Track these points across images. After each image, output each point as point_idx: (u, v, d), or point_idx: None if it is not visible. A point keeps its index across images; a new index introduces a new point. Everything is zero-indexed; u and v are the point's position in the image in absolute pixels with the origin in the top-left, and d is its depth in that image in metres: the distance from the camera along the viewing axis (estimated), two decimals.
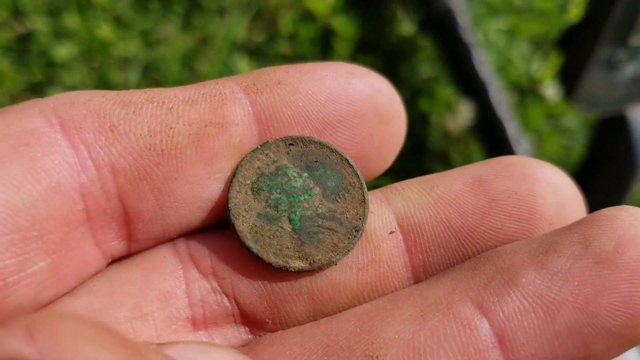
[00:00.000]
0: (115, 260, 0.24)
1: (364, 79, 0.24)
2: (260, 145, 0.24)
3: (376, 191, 0.26)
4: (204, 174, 0.23)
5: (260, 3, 1.05)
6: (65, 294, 0.23)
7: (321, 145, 0.24)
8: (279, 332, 0.24)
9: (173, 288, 0.24)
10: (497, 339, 0.22)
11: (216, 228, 0.25)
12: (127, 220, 0.23)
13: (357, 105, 0.24)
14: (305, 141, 0.24)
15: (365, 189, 0.25)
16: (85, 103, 0.23)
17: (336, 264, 0.24)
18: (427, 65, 1.15)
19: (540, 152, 1.13)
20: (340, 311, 0.24)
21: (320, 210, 0.24)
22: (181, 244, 0.25)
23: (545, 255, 0.22)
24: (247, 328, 0.25)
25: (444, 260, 0.25)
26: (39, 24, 0.97)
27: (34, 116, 0.22)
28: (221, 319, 0.24)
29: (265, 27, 1.05)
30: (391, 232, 0.25)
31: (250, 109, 0.24)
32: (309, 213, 0.24)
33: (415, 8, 1.17)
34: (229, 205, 0.24)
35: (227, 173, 0.24)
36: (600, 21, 0.68)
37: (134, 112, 0.23)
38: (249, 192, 0.24)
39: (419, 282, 0.25)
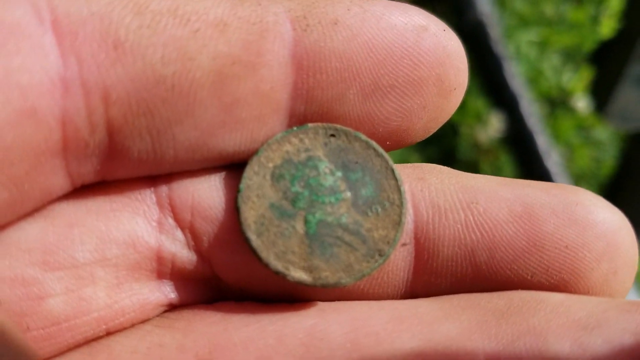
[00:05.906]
0: (84, 186, 0.20)
1: (437, 38, 0.20)
2: (297, 127, 0.21)
3: (408, 174, 0.22)
4: (217, 122, 0.19)
5: None
6: (21, 218, 0.20)
7: (367, 145, 0.21)
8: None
9: (143, 233, 0.20)
10: None
11: (208, 174, 0.21)
12: (111, 156, 0.19)
13: (419, 72, 0.20)
14: (350, 136, 0.21)
15: (405, 210, 0.21)
16: None
17: (344, 287, 0.21)
18: None
19: (571, 164, 1.14)
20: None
21: (344, 219, 0.21)
22: (163, 185, 0.21)
23: (587, 332, 0.19)
24: (217, 288, 0.22)
25: (451, 289, 0.22)
26: None
27: (20, 4, 0.17)
28: (190, 275, 0.21)
29: None
30: (403, 245, 0.21)
31: (292, 49, 0.19)
32: (330, 219, 0.21)
33: (447, 20, 1.19)
34: (241, 185, 0.21)
35: (247, 125, 0.20)
36: (633, 38, 0.69)
37: (148, 26, 0.18)
38: (268, 177, 0.21)
39: (418, 299, 0.22)
